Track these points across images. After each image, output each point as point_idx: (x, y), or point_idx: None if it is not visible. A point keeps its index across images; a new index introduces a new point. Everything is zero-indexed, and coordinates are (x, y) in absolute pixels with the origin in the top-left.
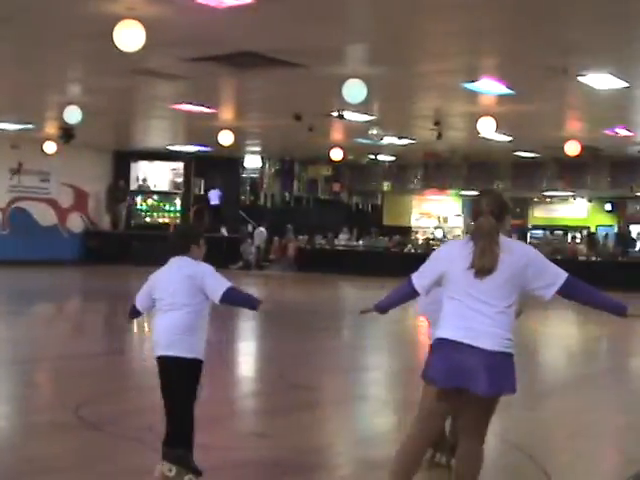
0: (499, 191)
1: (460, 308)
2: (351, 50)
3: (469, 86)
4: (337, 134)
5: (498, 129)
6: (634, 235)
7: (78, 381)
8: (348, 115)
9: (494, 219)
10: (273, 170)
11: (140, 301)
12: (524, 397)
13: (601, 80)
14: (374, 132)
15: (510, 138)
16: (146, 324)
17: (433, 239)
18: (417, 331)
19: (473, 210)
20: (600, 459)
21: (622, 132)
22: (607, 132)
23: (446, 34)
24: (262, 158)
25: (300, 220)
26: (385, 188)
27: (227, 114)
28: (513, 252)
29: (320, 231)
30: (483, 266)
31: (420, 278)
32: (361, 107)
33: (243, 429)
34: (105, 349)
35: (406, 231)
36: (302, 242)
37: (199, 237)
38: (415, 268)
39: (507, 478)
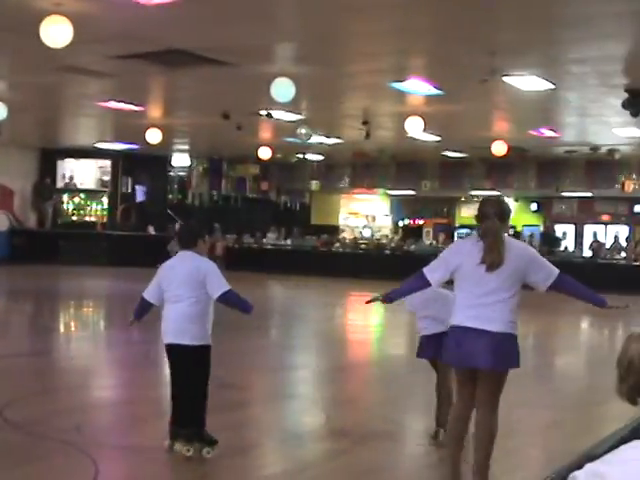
0: (502, 198)
1: (470, 298)
2: (280, 49)
3: (397, 86)
4: (265, 133)
5: (426, 129)
6: (559, 234)
7: (2, 382)
8: (276, 114)
9: (499, 222)
10: (201, 168)
11: (150, 292)
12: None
13: (527, 81)
14: (302, 131)
15: (438, 138)
16: (72, 323)
17: (361, 238)
18: (345, 330)
19: (480, 214)
20: (525, 456)
21: (548, 133)
22: (533, 133)
23: (374, 34)
24: (190, 156)
25: (228, 219)
26: (313, 187)
27: (155, 112)
28: (515, 250)
29: (248, 230)
30: (493, 262)
31: (433, 272)
32: (289, 106)
33: None
34: (31, 349)
35: (334, 230)
36: (230, 241)
37: (205, 233)
38: (342, 267)
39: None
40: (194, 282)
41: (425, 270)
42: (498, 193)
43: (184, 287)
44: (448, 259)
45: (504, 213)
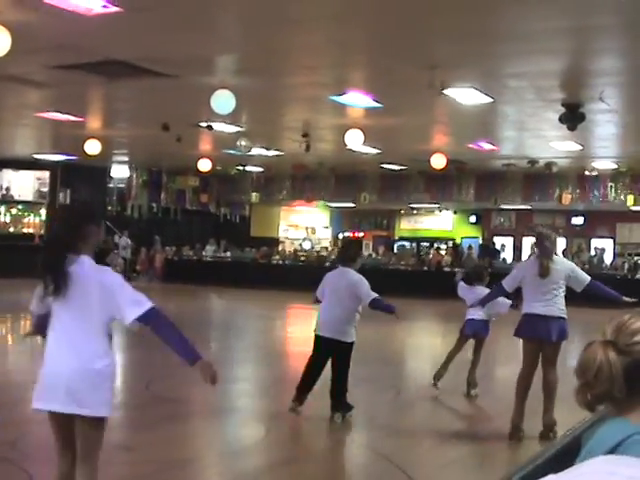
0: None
1: (534, 295)
2: (220, 61)
3: (337, 99)
4: (205, 145)
5: (365, 142)
6: (498, 246)
7: None
8: (217, 126)
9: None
10: (141, 180)
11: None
12: (390, 408)
13: (466, 95)
14: (242, 143)
15: (377, 151)
16: (9, 336)
17: (301, 250)
18: (284, 342)
19: (537, 239)
20: (464, 467)
21: (486, 146)
22: (472, 146)
23: (314, 46)
24: (130, 168)
25: (168, 231)
26: (253, 199)
27: (94, 123)
28: (560, 265)
29: (188, 242)
30: (543, 273)
31: (508, 283)
32: (230, 118)
33: (108, 442)
34: None
35: (274, 242)
36: (169, 253)
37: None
38: (282, 279)
39: None
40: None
41: (504, 283)
42: (437, 205)
43: (342, 293)
44: (516, 274)
45: (552, 241)
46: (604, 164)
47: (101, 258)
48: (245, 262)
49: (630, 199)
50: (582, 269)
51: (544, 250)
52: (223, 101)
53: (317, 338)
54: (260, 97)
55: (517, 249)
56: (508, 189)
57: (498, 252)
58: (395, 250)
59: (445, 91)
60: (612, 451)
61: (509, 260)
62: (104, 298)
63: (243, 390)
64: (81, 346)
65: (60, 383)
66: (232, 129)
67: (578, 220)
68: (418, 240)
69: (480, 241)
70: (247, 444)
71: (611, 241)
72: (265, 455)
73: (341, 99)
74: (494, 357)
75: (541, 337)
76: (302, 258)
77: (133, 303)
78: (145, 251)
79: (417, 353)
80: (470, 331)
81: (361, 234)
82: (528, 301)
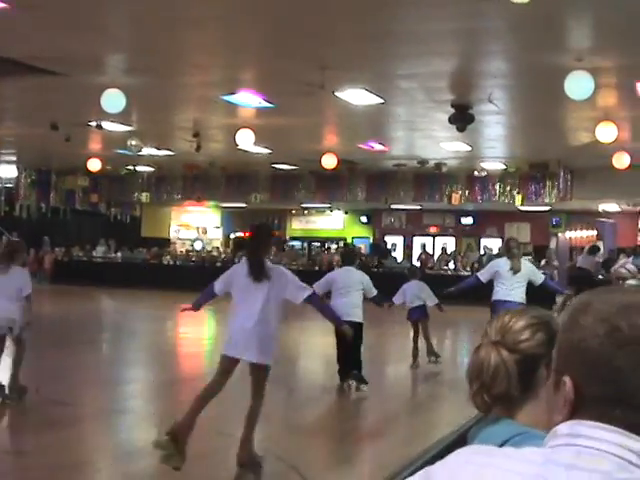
0: (515, 240)
1: (504, 288)
2: (110, 59)
3: (228, 98)
4: (95, 144)
5: (256, 142)
6: (389, 246)
7: None
8: (106, 125)
9: (517, 250)
10: (29, 180)
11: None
12: (284, 408)
13: (357, 96)
14: (133, 143)
15: (269, 151)
16: None
17: (192, 251)
18: (176, 343)
19: (506, 246)
20: (358, 463)
21: (377, 146)
22: (363, 146)
23: (204, 46)
24: (18, 168)
25: (57, 231)
26: (144, 199)
27: None
28: (526, 265)
29: (78, 243)
30: (517, 269)
31: (483, 276)
32: (120, 117)
33: None
34: None
35: (165, 243)
36: (59, 254)
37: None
38: (174, 279)
39: None
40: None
41: (479, 275)
42: (328, 205)
43: (351, 283)
44: (490, 271)
45: (519, 247)
46: (493, 165)
47: None
48: (136, 263)
49: (518, 199)
50: (472, 268)
51: (516, 254)
52: (113, 100)
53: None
54: (151, 96)
55: (408, 248)
56: (399, 189)
57: (389, 251)
58: (285, 250)
59: (336, 92)
60: None
61: (399, 259)
62: (283, 284)
63: (135, 391)
64: (266, 315)
65: (251, 340)
66: (122, 128)
67: (468, 220)
68: (309, 240)
69: (371, 241)
70: (139, 447)
71: (500, 240)
72: (157, 457)
73: (232, 99)
74: (385, 355)
75: None
76: (193, 258)
77: (301, 289)
78: (34, 252)
79: (309, 352)
80: (414, 317)
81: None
82: (500, 291)
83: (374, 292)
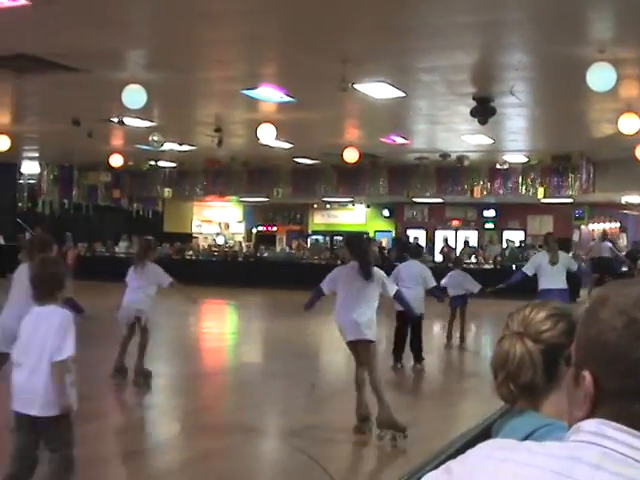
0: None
1: (547, 277)
2: (131, 55)
3: (249, 93)
4: (117, 140)
5: (278, 136)
6: (412, 240)
7: None
8: (128, 121)
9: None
10: (52, 176)
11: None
12: (306, 401)
13: (378, 89)
14: (155, 138)
15: (290, 145)
16: None
17: (215, 246)
18: (199, 338)
19: (545, 241)
20: (380, 460)
21: (399, 140)
22: (384, 140)
23: (226, 41)
24: (40, 164)
25: (80, 227)
26: (166, 195)
27: (3, 118)
28: (562, 256)
29: (100, 239)
30: (555, 261)
31: (528, 270)
32: (141, 113)
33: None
34: None
35: (187, 238)
36: (81, 250)
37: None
38: (196, 274)
39: None
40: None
41: (525, 269)
42: (350, 199)
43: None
44: (533, 264)
45: (555, 241)
46: (515, 157)
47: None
48: (158, 258)
49: (540, 191)
50: (495, 262)
51: (554, 247)
52: (134, 95)
53: (399, 313)
54: (172, 92)
55: (430, 241)
56: (420, 183)
57: (419, 248)
58: (309, 244)
59: (357, 85)
60: None
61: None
62: (380, 282)
63: (158, 386)
64: (370, 306)
65: (361, 325)
66: (144, 124)
67: (490, 213)
68: (332, 234)
69: (393, 234)
70: (163, 440)
71: (522, 233)
72: (179, 452)
73: (253, 93)
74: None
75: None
76: (215, 253)
77: (391, 286)
78: (57, 248)
79: (330, 346)
80: (455, 304)
81: (274, 228)
82: (544, 281)
83: (433, 283)
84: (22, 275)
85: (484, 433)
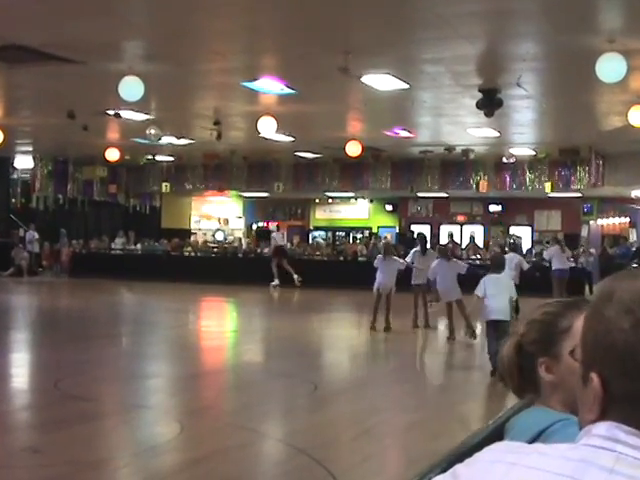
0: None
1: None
2: (128, 46)
3: (249, 85)
4: (113, 133)
5: (279, 129)
6: (416, 235)
7: None
8: (125, 114)
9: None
10: (46, 171)
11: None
12: (309, 400)
13: (382, 81)
14: (152, 132)
15: (291, 138)
16: None
17: (214, 242)
18: (198, 336)
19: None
20: (385, 460)
21: (402, 133)
22: (388, 133)
23: (225, 32)
24: (34, 158)
25: (75, 223)
26: (163, 190)
27: None
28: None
29: (96, 235)
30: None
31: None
32: (138, 106)
33: (16, 445)
34: None
35: (186, 234)
36: (77, 246)
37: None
38: (195, 271)
39: None
40: None
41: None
42: (353, 194)
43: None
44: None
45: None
46: (522, 151)
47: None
48: (156, 254)
49: (548, 186)
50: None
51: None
52: (131, 88)
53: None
54: (170, 84)
55: (435, 237)
56: (425, 177)
57: (415, 240)
58: (310, 240)
59: (360, 77)
60: (534, 441)
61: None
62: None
63: (156, 386)
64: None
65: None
66: (141, 117)
67: (496, 207)
68: (334, 230)
69: (397, 230)
70: (162, 442)
71: (529, 228)
72: (179, 453)
73: (253, 85)
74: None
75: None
76: (215, 249)
77: (462, 266)
78: (49, 245)
79: (333, 345)
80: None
81: (275, 224)
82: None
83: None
84: None
85: (496, 432)
